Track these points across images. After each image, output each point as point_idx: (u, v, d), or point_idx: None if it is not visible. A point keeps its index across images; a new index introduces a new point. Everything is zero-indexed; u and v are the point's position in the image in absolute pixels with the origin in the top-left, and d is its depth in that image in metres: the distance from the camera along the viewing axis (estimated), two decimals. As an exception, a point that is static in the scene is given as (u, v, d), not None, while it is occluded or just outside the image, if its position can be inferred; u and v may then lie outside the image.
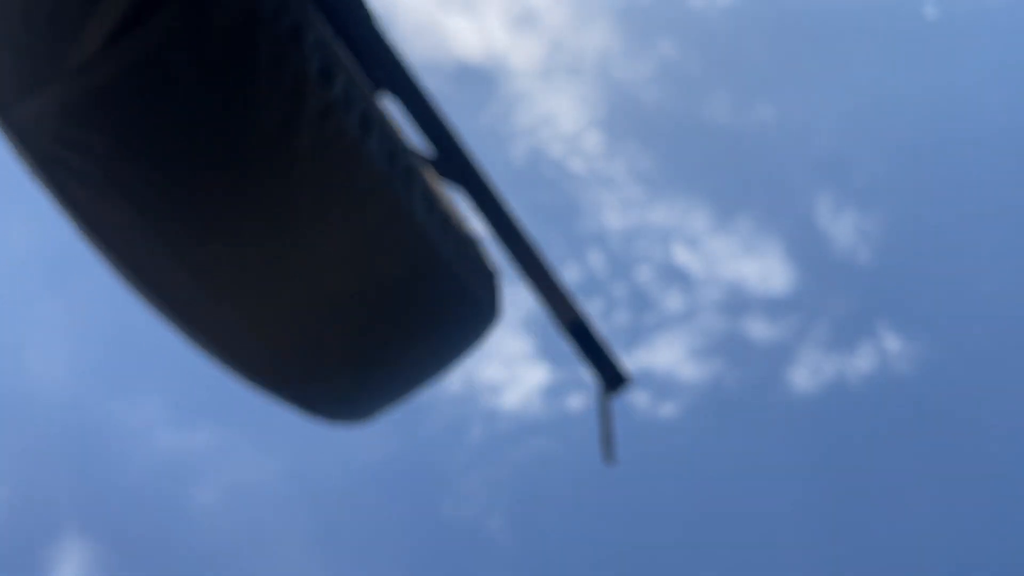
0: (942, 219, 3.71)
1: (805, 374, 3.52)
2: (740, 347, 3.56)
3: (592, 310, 3.55)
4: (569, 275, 3.60)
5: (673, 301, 3.58)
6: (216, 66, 0.58)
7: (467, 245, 0.71)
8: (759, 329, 3.57)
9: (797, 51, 3.87)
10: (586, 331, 0.73)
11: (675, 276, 3.60)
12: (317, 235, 0.58)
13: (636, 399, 3.49)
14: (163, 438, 3.34)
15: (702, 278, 3.62)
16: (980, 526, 3.40)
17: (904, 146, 3.77)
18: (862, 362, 3.52)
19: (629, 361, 3.50)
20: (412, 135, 0.77)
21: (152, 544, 3.27)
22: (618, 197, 3.70)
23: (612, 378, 0.72)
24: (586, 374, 0.81)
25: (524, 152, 4.26)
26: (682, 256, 3.63)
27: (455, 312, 0.65)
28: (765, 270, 3.63)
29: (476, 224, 0.79)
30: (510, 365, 3.50)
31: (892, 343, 3.51)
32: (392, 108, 0.76)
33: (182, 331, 0.64)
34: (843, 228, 3.64)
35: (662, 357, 3.50)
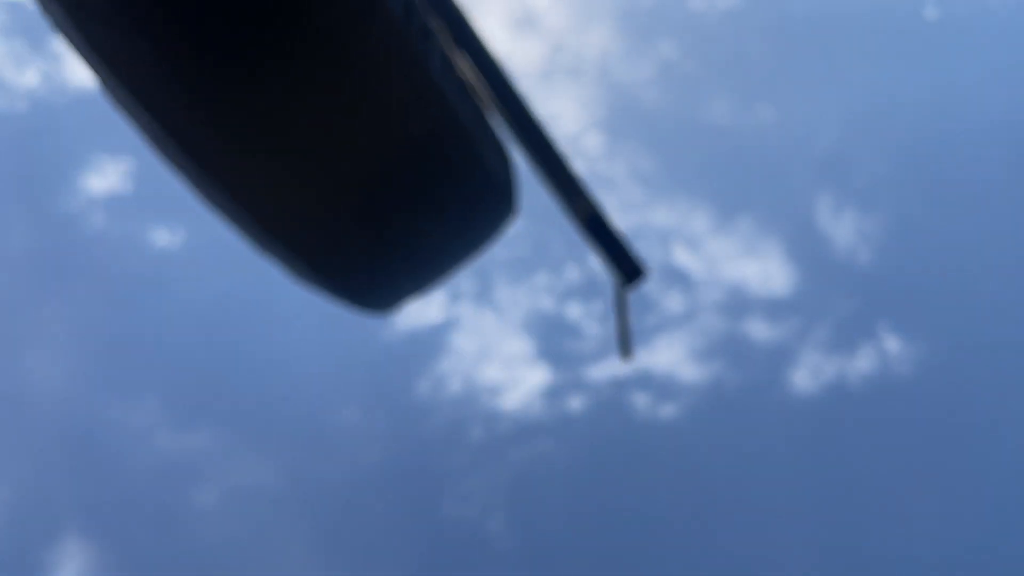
0: (943, 220, 3.70)
1: (806, 375, 3.52)
2: (740, 348, 3.56)
3: (592, 311, 3.55)
4: (570, 275, 3.60)
5: (674, 302, 3.57)
6: None
7: (484, 117, 0.71)
8: (760, 330, 3.56)
9: (797, 52, 3.86)
10: (602, 223, 0.72)
11: (676, 277, 3.59)
12: (332, 82, 0.57)
13: (636, 400, 3.48)
14: (163, 439, 3.33)
15: (703, 279, 3.62)
16: (981, 527, 3.40)
17: (905, 147, 3.77)
18: (863, 363, 3.51)
19: (628, 362, 3.49)
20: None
21: (152, 545, 3.26)
22: (618, 198, 3.70)
23: (629, 271, 0.71)
24: (604, 274, 0.79)
25: (524, 153, 4.24)
26: (683, 257, 3.63)
27: (474, 185, 0.65)
28: (766, 271, 3.63)
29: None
30: (510, 366, 3.50)
31: (893, 344, 3.51)
32: None
33: (206, 191, 0.63)
34: (844, 229, 3.64)
35: (662, 358, 3.49)
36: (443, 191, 0.63)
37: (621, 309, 0.74)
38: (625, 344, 0.71)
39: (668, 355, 3.52)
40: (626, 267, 0.74)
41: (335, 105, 0.61)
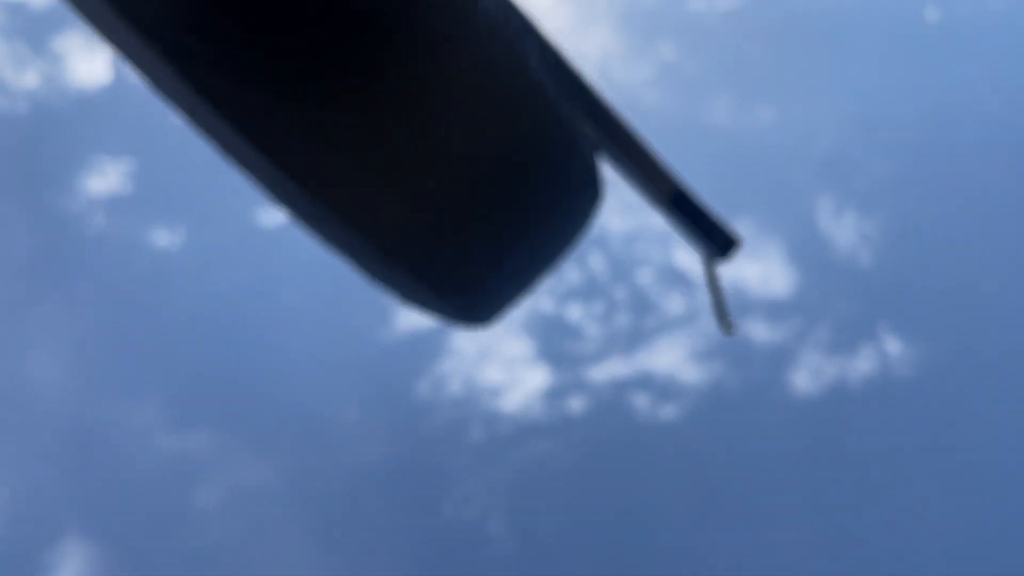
0: (944, 222, 3.71)
1: (806, 376, 3.52)
2: (741, 349, 3.56)
3: (593, 312, 3.55)
4: (570, 277, 3.60)
5: (674, 303, 3.58)
6: None
7: (573, 108, 0.68)
8: (760, 331, 3.57)
9: (798, 53, 3.87)
10: (687, 199, 0.68)
11: (676, 278, 3.60)
12: (436, 87, 0.54)
13: (637, 401, 3.49)
14: (164, 440, 3.34)
15: (703, 280, 3.61)
16: (982, 528, 3.40)
17: (906, 149, 3.78)
18: (863, 364, 3.52)
19: (629, 363, 3.50)
20: None
21: (153, 546, 3.27)
22: (619, 199, 3.69)
23: (722, 243, 0.67)
24: (687, 249, 0.76)
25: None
26: (683, 259, 3.64)
27: (575, 178, 0.61)
28: (766, 272, 3.63)
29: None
30: (510, 367, 3.50)
31: (893, 346, 3.51)
32: None
33: (308, 211, 0.58)
34: (845, 231, 3.64)
35: (663, 360, 3.50)
36: (550, 188, 0.60)
37: (714, 284, 0.71)
38: (724, 319, 0.68)
39: (668, 356, 3.52)
40: (718, 240, 0.70)
41: (439, 110, 0.57)
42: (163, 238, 3.48)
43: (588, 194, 0.63)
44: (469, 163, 0.58)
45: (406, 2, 0.53)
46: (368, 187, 0.56)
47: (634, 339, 3.51)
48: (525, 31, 0.59)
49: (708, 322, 3.64)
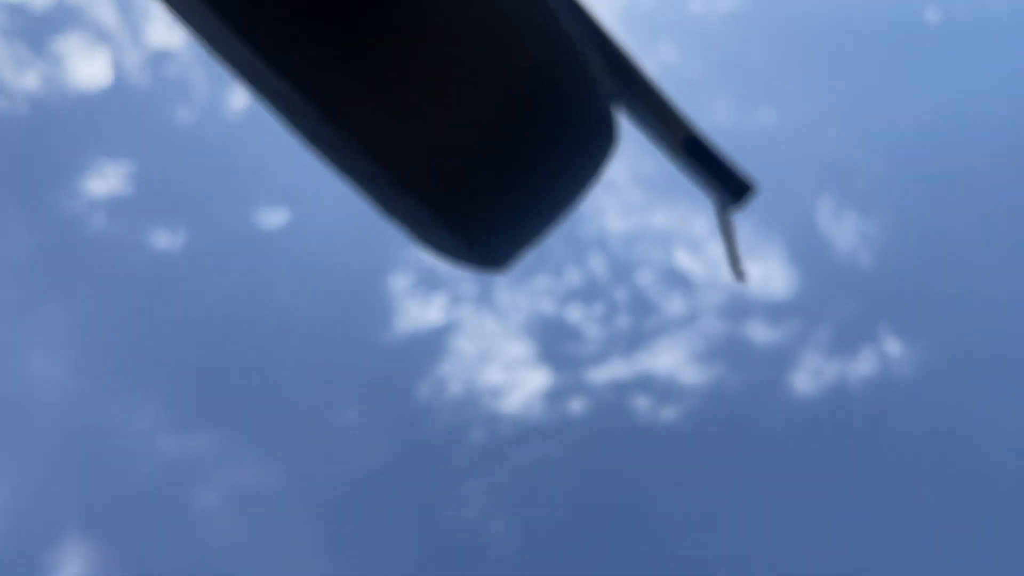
0: (945, 223, 3.71)
1: (807, 378, 3.52)
2: (741, 351, 3.56)
3: (593, 313, 3.55)
4: (571, 278, 3.60)
5: (675, 305, 3.58)
6: None
7: (587, 45, 0.65)
8: (761, 333, 3.56)
9: (798, 55, 3.87)
10: (701, 144, 0.67)
11: (676, 280, 3.60)
12: (451, 15, 0.53)
13: (637, 402, 3.49)
14: (165, 441, 3.34)
15: (703, 282, 3.62)
16: (983, 530, 3.40)
17: (907, 150, 3.78)
18: (864, 366, 3.52)
19: (629, 364, 3.50)
20: None
21: (154, 548, 3.27)
22: (619, 201, 3.70)
23: (736, 188, 0.65)
24: (703, 197, 0.74)
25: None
26: (683, 260, 3.63)
27: (590, 116, 0.59)
28: (767, 274, 3.63)
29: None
30: (511, 368, 3.50)
31: (894, 347, 3.51)
32: None
33: (315, 128, 0.57)
34: (845, 232, 3.64)
35: (663, 361, 3.50)
36: (566, 128, 0.58)
37: (728, 232, 0.70)
38: (737, 267, 0.67)
39: (669, 358, 3.52)
40: (733, 185, 0.68)
41: (462, 43, 0.55)
42: (163, 240, 3.48)
43: (602, 138, 0.61)
44: (489, 97, 0.56)
45: None
46: (390, 116, 0.54)
47: (634, 340, 3.51)
48: None
49: (708, 323, 3.64)
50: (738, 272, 0.67)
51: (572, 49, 0.58)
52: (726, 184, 0.68)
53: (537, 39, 0.58)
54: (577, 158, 0.61)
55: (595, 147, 0.62)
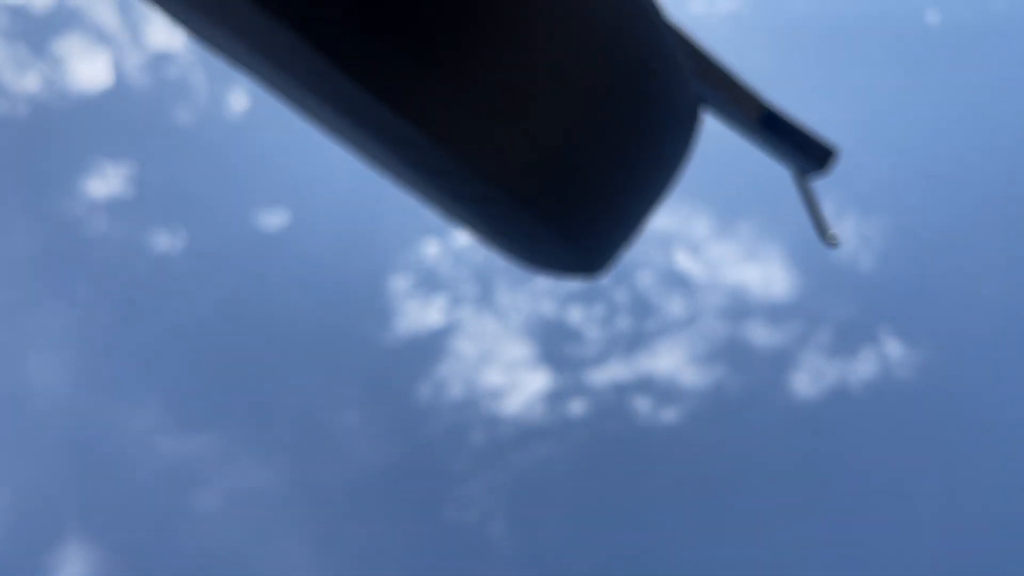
0: (945, 225, 3.71)
1: (807, 379, 3.52)
2: (742, 352, 3.56)
3: (593, 314, 3.55)
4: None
5: (675, 306, 3.58)
6: None
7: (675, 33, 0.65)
8: (761, 334, 3.56)
9: (798, 56, 3.87)
10: (777, 117, 0.66)
11: (677, 281, 3.60)
12: (547, 8, 0.50)
13: (638, 404, 3.48)
14: (165, 443, 3.34)
15: (704, 283, 3.62)
16: (983, 531, 3.40)
17: (907, 151, 3.78)
18: (864, 367, 3.52)
19: (629, 366, 3.50)
20: None
21: (154, 549, 3.27)
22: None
23: (819, 155, 0.65)
24: (782, 171, 0.72)
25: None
26: (684, 261, 3.63)
27: (682, 107, 0.57)
28: (767, 275, 3.63)
29: None
30: (511, 370, 3.50)
31: (894, 349, 3.51)
32: None
33: (407, 152, 0.54)
34: (845, 233, 3.64)
35: (663, 363, 3.50)
36: (664, 118, 0.57)
37: (811, 200, 0.69)
38: (827, 233, 0.66)
39: (669, 359, 3.52)
40: (815, 153, 0.67)
41: (559, 45, 0.53)
42: (164, 241, 3.48)
43: (692, 129, 0.60)
44: (597, 103, 0.54)
45: None
46: (503, 136, 0.52)
47: (635, 342, 3.51)
48: None
49: (709, 324, 3.64)
50: (829, 237, 0.66)
51: (664, 41, 0.57)
52: (808, 153, 0.68)
53: (632, 34, 0.55)
54: (672, 152, 0.60)
55: (686, 138, 0.60)
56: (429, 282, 3.53)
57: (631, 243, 0.61)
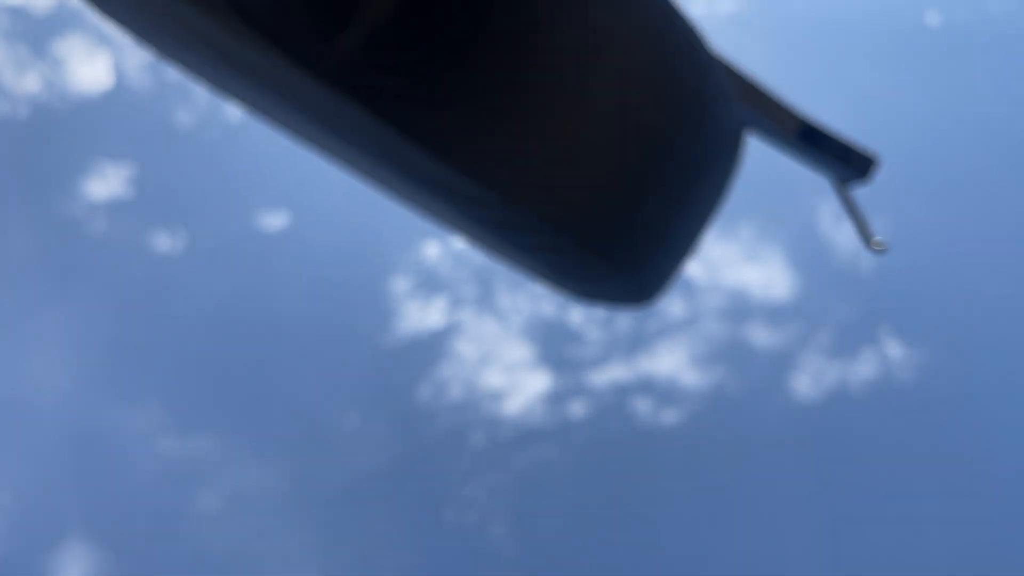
0: (945, 225, 3.71)
1: (807, 381, 3.52)
2: (742, 354, 3.56)
3: (594, 315, 3.55)
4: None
5: (675, 308, 3.57)
6: None
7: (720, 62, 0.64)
8: (761, 336, 3.56)
9: (798, 56, 3.87)
10: (816, 131, 0.67)
11: (677, 283, 3.59)
12: (593, 34, 0.49)
13: (638, 405, 3.48)
14: (165, 444, 3.34)
15: (704, 285, 3.62)
16: (983, 532, 3.39)
17: (907, 152, 3.78)
18: (865, 368, 3.52)
19: (630, 367, 3.50)
20: None
21: (154, 550, 3.26)
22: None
23: (860, 165, 0.67)
24: (819, 181, 0.72)
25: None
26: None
27: (729, 135, 0.57)
28: (767, 277, 3.63)
29: None
30: (512, 371, 3.50)
31: (895, 350, 3.51)
32: None
33: (459, 200, 0.53)
34: (846, 234, 3.64)
35: (664, 364, 3.50)
36: (713, 145, 0.57)
37: (853, 208, 0.69)
38: (873, 239, 0.66)
39: (670, 361, 3.52)
40: (856, 163, 0.67)
41: (611, 79, 0.52)
42: (164, 242, 3.48)
43: (737, 147, 0.60)
44: (642, 132, 0.53)
45: None
46: (551, 179, 0.51)
47: (635, 343, 3.51)
48: None
49: (709, 326, 3.64)
50: (874, 243, 0.66)
51: (713, 67, 0.57)
52: (848, 163, 0.68)
53: (688, 66, 0.54)
54: (721, 177, 0.60)
55: (733, 162, 0.60)
56: (429, 283, 3.53)
57: (684, 270, 0.61)
